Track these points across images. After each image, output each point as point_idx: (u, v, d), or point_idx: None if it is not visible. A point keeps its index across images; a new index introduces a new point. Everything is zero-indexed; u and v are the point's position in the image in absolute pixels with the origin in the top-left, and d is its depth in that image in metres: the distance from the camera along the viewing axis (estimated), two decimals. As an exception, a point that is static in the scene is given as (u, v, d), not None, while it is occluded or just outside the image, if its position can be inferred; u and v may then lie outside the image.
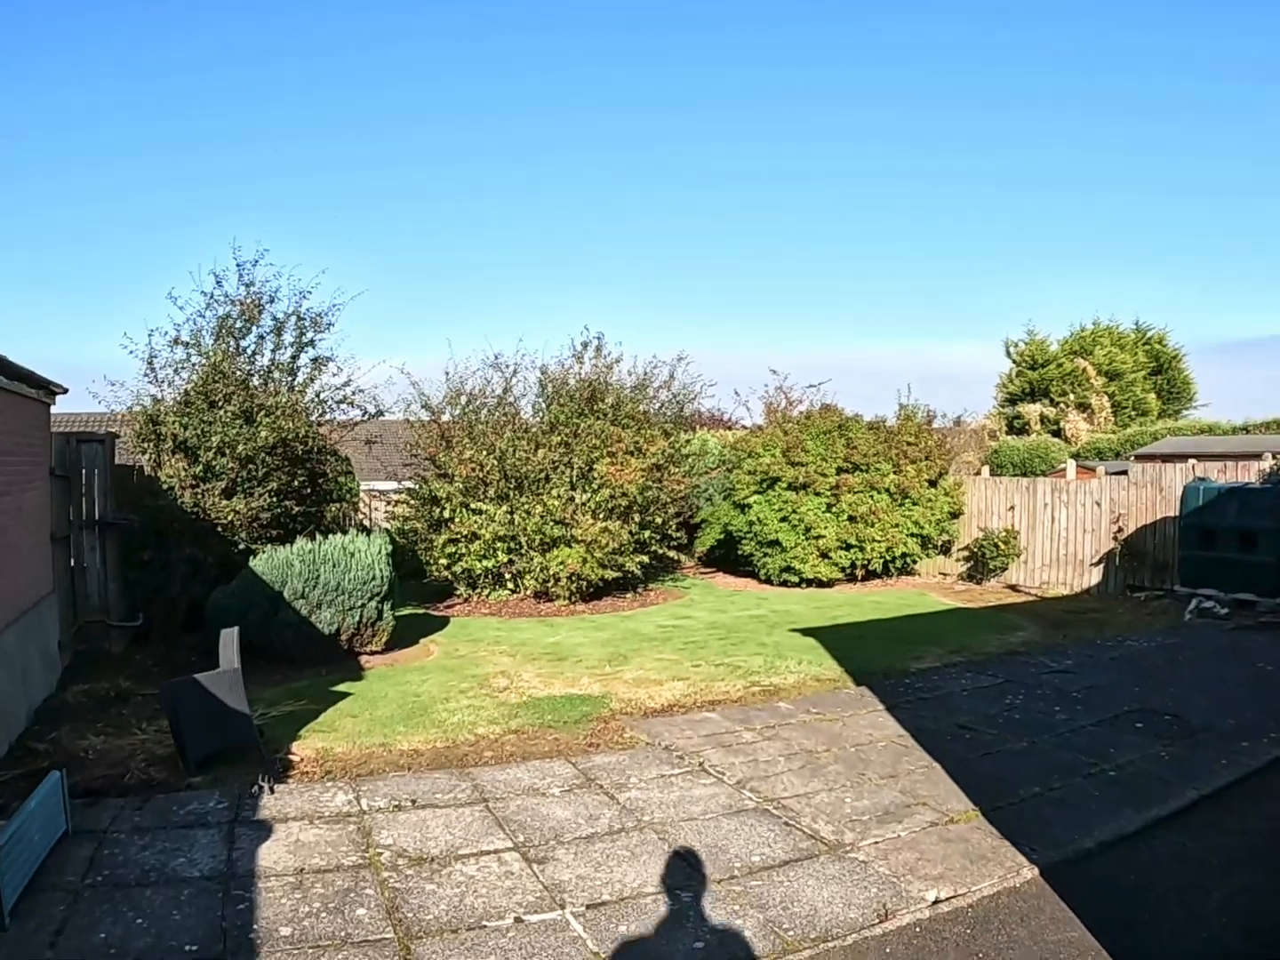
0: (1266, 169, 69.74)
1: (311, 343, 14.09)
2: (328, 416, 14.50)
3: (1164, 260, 75.41)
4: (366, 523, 22.13)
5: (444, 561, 17.04)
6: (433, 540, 17.08)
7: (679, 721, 8.69)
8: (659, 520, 17.79)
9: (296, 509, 13.58)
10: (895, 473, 18.84)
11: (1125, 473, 21.81)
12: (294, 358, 14.10)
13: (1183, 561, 15.95)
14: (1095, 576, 17.93)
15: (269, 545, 12.35)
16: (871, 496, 18.61)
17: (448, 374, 18.23)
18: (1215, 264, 79.65)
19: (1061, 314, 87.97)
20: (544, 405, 18.41)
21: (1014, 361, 41.81)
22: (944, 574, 20.13)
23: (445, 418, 18.07)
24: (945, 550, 20.01)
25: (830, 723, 8.54)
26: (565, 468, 16.92)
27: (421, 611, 16.17)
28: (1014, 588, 18.64)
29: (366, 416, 14.65)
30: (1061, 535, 18.39)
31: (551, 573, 16.33)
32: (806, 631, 13.08)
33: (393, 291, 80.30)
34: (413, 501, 18.12)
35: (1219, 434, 32.63)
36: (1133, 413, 39.87)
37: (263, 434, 12.35)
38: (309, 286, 13.97)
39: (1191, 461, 17.40)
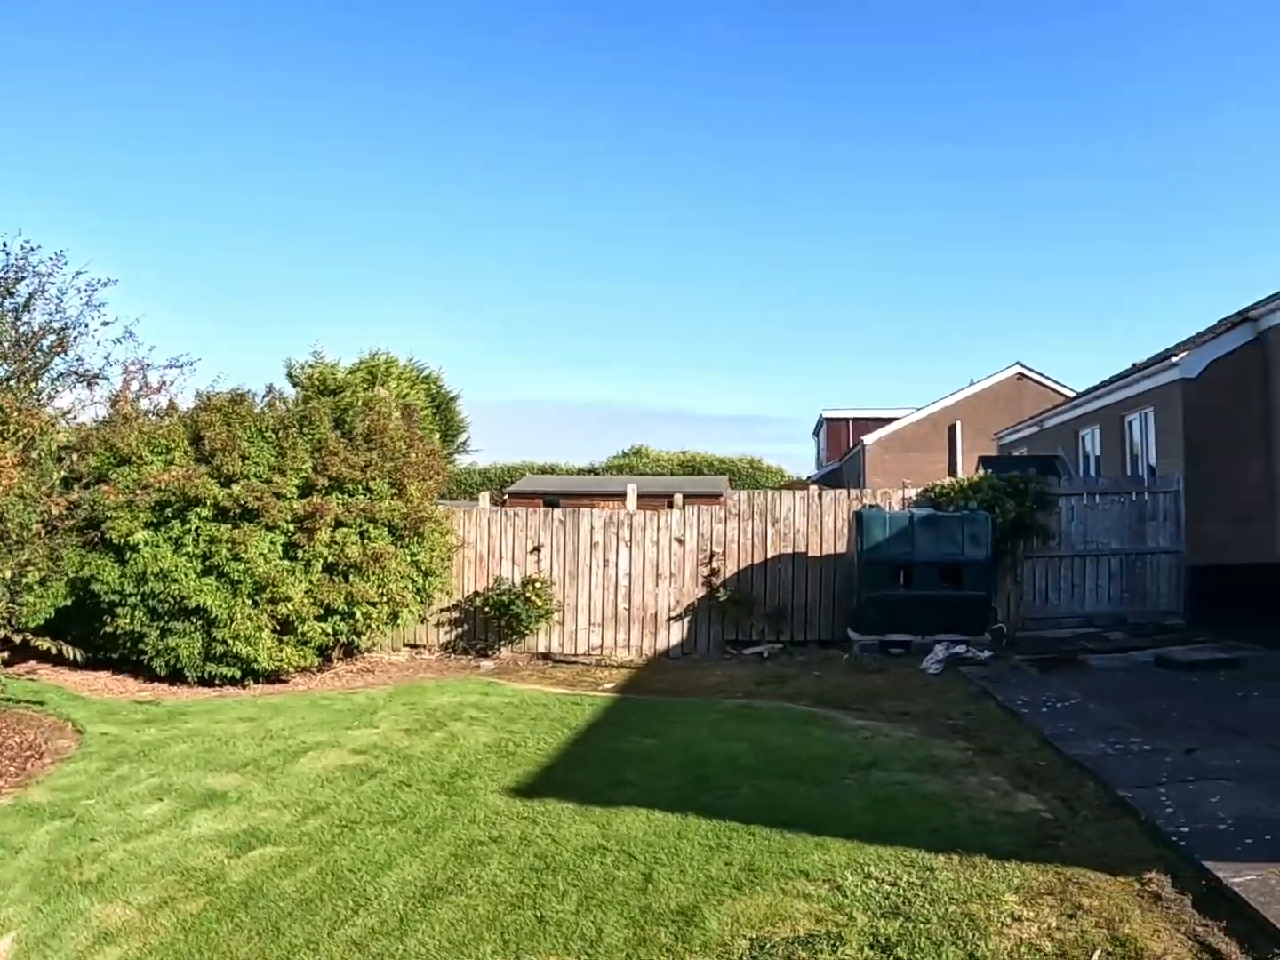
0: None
1: None
2: None
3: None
4: None
5: None
6: None
7: None
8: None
9: None
10: (397, 496, 11.99)
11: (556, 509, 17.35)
12: None
13: (866, 604, 12.44)
14: (675, 635, 13.26)
15: None
16: (364, 533, 11.56)
17: None
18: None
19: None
20: None
21: (301, 386, 35.51)
22: (415, 646, 13.65)
23: None
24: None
25: None
26: None
27: None
28: (547, 657, 13.23)
29: None
30: (621, 584, 13.29)
31: None
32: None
33: None
34: None
35: (563, 474, 30.39)
36: (423, 453, 36.15)
37: None
38: None
39: (848, 491, 13.93)
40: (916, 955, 4.06)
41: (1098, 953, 4.02)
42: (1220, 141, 62.28)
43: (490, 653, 13.15)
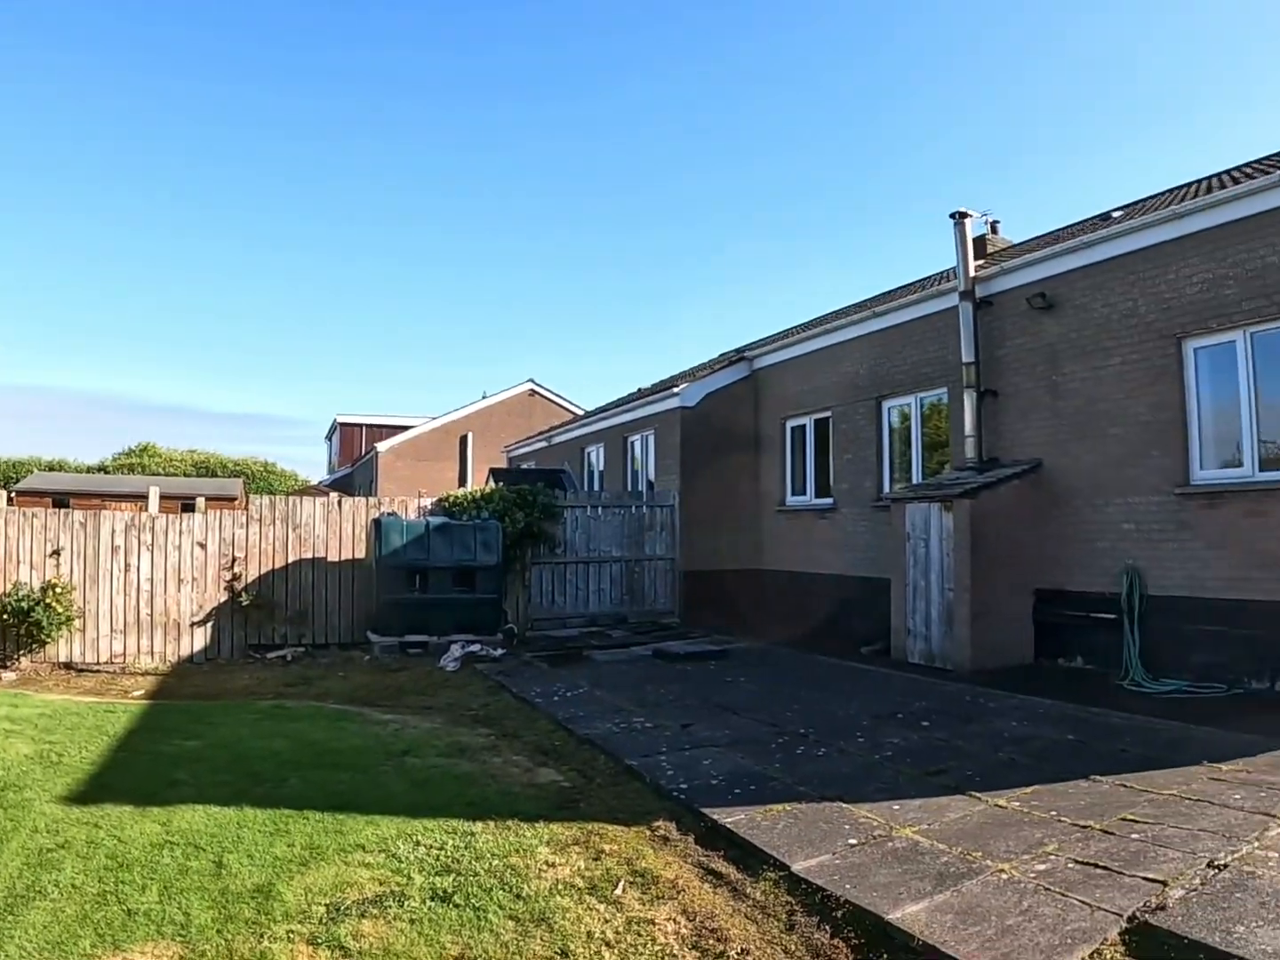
0: None
1: None
2: None
3: None
4: None
5: None
6: None
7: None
8: None
9: None
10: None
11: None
12: None
13: (385, 607, 12.92)
14: (200, 640, 12.99)
15: None
16: None
17: None
18: None
19: None
20: None
21: None
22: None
23: None
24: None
25: None
26: None
27: None
28: (70, 666, 12.40)
29: None
30: (144, 589, 12.80)
31: None
32: None
33: None
34: None
35: (72, 471, 28.40)
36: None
37: None
38: None
39: (368, 499, 14.44)
40: (472, 900, 4.59)
41: (622, 883, 4.78)
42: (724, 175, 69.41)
43: (9, 663, 12.04)
